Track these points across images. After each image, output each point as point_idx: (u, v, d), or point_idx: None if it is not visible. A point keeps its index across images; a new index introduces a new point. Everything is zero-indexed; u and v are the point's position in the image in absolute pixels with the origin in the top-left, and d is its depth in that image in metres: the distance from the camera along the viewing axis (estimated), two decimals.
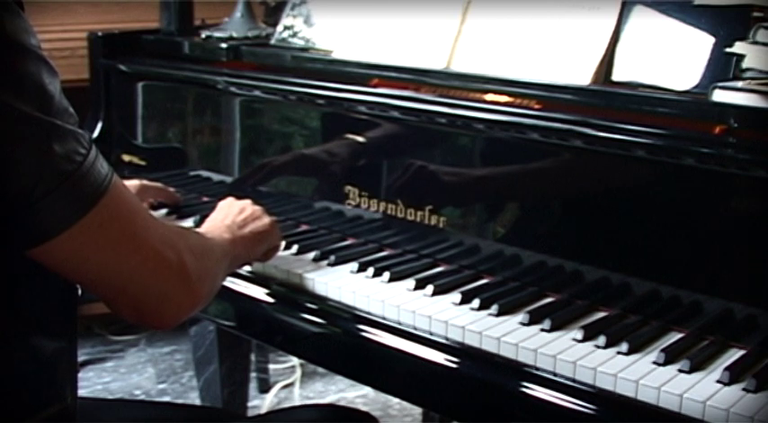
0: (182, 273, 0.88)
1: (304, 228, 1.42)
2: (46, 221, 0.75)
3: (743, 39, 1.07)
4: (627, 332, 1.03)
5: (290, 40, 1.55)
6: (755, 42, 1.06)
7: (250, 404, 2.16)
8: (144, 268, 0.84)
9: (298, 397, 2.44)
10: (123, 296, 0.85)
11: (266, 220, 1.22)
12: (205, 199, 1.59)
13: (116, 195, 0.80)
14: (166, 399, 2.42)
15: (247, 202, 1.24)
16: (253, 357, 2.21)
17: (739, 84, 1.05)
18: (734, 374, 0.92)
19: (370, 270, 1.22)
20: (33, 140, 0.72)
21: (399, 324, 1.11)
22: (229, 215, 1.20)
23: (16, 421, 0.82)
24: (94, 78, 1.78)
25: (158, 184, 1.52)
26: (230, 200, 1.25)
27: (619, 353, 0.99)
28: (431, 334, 1.08)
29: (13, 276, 0.81)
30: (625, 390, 0.93)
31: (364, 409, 2.20)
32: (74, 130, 0.76)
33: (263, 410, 2.33)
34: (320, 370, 2.48)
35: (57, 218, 0.75)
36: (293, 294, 1.23)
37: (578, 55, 1.19)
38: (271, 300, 1.24)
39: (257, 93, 1.50)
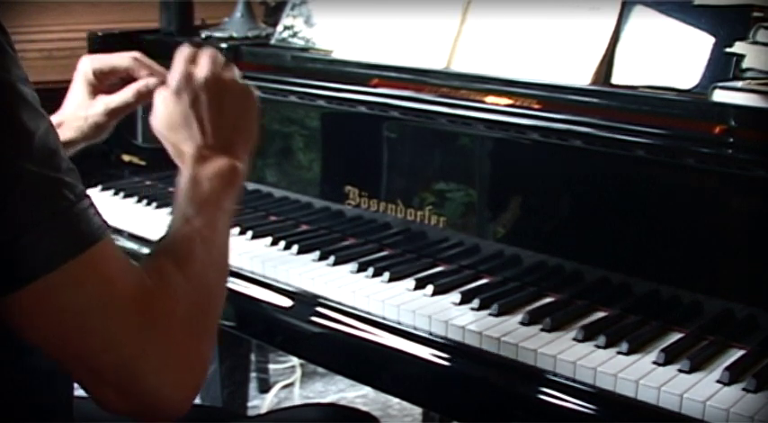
0: (178, 351, 0.72)
1: (304, 228, 1.42)
2: (10, 270, 0.64)
3: (743, 39, 1.07)
4: (627, 332, 1.03)
5: (290, 40, 1.55)
6: (755, 42, 1.06)
7: (250, 404, 2.15)
8: (125, 344, 0.69)
9: (298, 397, 2.44)
10: (103, 373, 0.71)
11: (245, 97, 0.92)
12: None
13: (107, 249, 0.69)
14: None
15: (210, 77, 0.91)
16: (253, 357, 2.21)
17: (739, 84, 1.05)
18: (734, 374, 0.92)
19: (370, 270, 1.22)
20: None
21: (399, 324, 1.11)
22: (194, 124, 0.89)
23: None
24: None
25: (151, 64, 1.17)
26: (183, 80, 0.91)
27: (619, 353, 0.99)
28: (431, 334, 1.08)
29: None
30: (625, 390, 0.93)
31: (364, 409, 2.19)
32: (57, 178, 0.66)
33: (263, 410, 2.33)
34: (320, 370, 2.47)
35: (25, 266, 0.64)
36: (293, 294, 1.23)
37: (578, 55, 1.19)
38: (271, 300, 1.24)
39: (257, 93, 1.49)
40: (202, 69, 0.93)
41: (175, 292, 0.75)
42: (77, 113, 1.14)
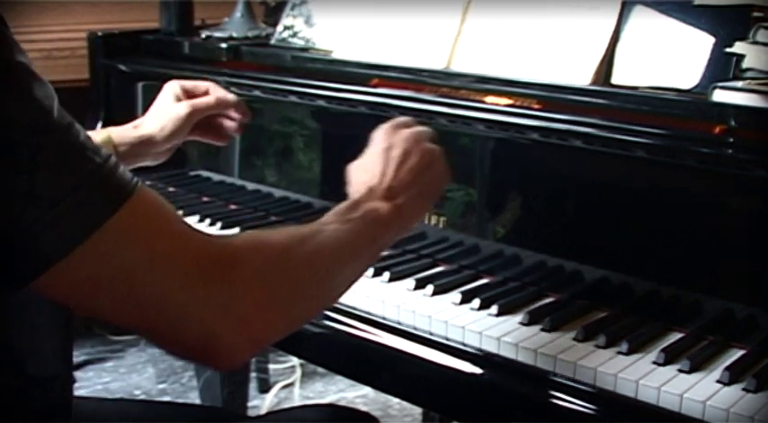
0: (231, 304, 0.71)
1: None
2: (50, 241, 0.65)
3: (743, 39, 1.07)
4: (627, 332, 1.03)
5: (290, 40, 1.55)
6: (755, 42, 1.06)
7: (250, 404, 2.16)
8: (176, 297, 0.69)
9: (298, 397, 2.44)
10: (157, 331, 0.72)
11: (436, 164, 0.97)
12: (205, 199, 1.59)
13: (144, 201, 0.70)
14: (166, 399, 2.41)
15: (410, 134, 0.98)
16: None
17: (739, 84, 1.05)
18: (734, 374, 0.92)
19: (371, 270, 1.22)
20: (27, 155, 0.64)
21: (399, 324, 1.11)
22: (378, 167, 0.94)
23: None
24: (94, 78, 1.78)
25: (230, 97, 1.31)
26: (386, 132, 0.98)
27: (619, 353, 0.99)
28: (431, 334, 1.08)
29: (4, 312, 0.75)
30: (625, 390, 0.93)
31: (364, 409, 2.20)
32: (80, 144, 0.68)
33: (263, 410, 2.33)
34: (320, 370, 2.48)
35: (62, 236, 0.65)
36: None
37: (578, 55, 1.19)
38: None
39: (257, 93, 1.49)
40: (408, 128, 1.00)
41: (254, 255, 0.75)
42: (161, 110, 1.27)
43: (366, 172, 0.96)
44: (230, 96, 1.31)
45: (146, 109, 1.31)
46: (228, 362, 0.73)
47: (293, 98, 1.44)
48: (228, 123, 1.34)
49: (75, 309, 0.71)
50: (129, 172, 0.71)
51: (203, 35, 1.70)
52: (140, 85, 1.73)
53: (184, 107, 1.27)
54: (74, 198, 0.65)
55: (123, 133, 1.24)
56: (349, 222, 0.86)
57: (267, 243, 0.78)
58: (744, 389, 0.91)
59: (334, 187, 1.38)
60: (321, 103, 1.40)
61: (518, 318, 1.08)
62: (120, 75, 1.75)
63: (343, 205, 0.90)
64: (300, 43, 1.54)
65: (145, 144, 1.25)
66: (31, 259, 0.65)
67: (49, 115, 0.66)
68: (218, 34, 1.68)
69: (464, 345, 1.05)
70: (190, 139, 1.31)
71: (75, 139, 0.67)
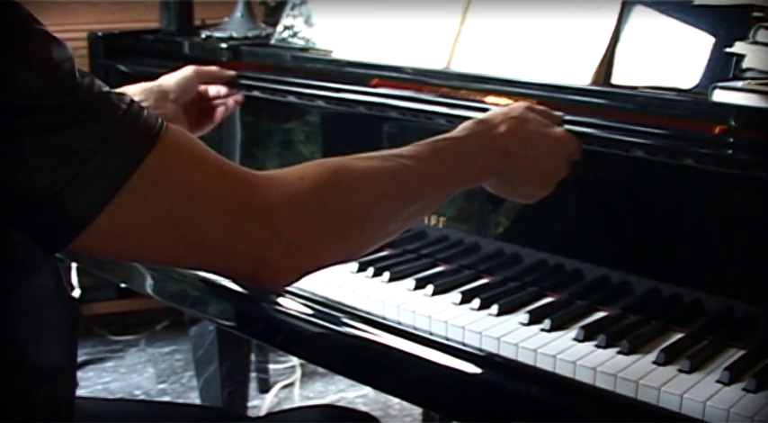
0: (273, 232, 0.72)
1: None
2: (90, 195, 0.66)
3: (743, 39, 1.07)
4: (627, 332, 1.03)
5: (290, 40, 1.55)
6: (755, 42, 1.06)
7: (250, 404, 2.16)
8: (219, 231, 0.70)
9: (298, 397, 2.44)
10: (206, 264, 0.74)
11: (556, 145, 0.99)
12: None
13: (174, 140, 0.70)
14: (166, 399, 2.42)
15: (547, 116, 1.01)
16: (253, 357, 2.21)
17: (739, 84, 1.05)
18: (734, 374, 0.92)
19: (370, 270, 1.22)
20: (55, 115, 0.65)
21: (399, 324, 1.11)
22: (492, 119, 0.95)
23: None
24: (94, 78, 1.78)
25: (212, 68, 1.47)
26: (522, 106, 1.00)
27: (619, 353, 0.99)
28: (431, 334, 1.08)
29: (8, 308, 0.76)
30: (625, 390, 0.93)
31: (364, 409, 2.20)
32: (104, 94, 0.69)
33: (263, 410, 2.33)
34: (320, 370, 2.48)
35: (100, 187, 0.66)
36: (293, 294, 1.23)
37: (578, 55, 1.19)
38: (271, 300, 1.24)
39: (257, 93, 1.49)
40: (545, 110, 1.03)
41: (295, 183, 0.75)
42: (172, 74, 1.41)
43: (493, 120, 0.96)
44: (230, 72, 1.47)
45: None
46: (275, 284, 0.75)
47: (293, 98, 1.44)
48: (217, 107, 1.46)
49: (121, 258, 0.73)
50: (153, 114, 0.71)
51: (203, 35, 1.70)
52: None
53: (191, 68, 1.42)
54: (105, 149, 0.66)
55: (140, 86, 1.33)
56: (414, 159, 0.84)
57: (315, 172, 0.77)
58: (744, 389, 0.91)
59: None
60: (321, 103, 1.40)
61: (518, 318, 1.08)
62: (120, 75, 1.75)
63: (426, 142, 0.88)
64: (300, 43, 1.53)
65: (160, 98, 1.34)
66: (72, 218, 0.66)
67: (71, 76, 0.67)
68: (218, 34, 1.68)
69: (464, 345, 1.05)
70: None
71: (99, 91, 0.69)
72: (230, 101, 1.46)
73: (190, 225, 0.70)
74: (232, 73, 1.48)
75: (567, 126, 1.11)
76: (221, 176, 0.72)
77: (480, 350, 1.04)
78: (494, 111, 0.99)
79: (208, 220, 0.70)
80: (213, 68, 1.47)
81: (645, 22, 1.16)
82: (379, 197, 0.81)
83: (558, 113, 1.06)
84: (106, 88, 0.70)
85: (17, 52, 0.65)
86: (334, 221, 0.77)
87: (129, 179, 0.67)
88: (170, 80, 1.40)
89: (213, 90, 1.46)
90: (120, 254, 0.72)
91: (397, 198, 0.83)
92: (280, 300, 1.24)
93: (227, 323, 1.35)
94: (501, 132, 0.94)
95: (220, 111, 1.46)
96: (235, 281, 0.76)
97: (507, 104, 1.18)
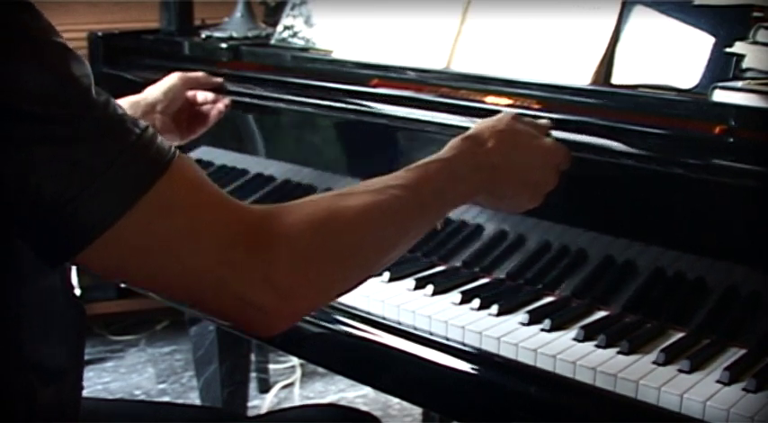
0: (269, 275, 0.71)
1: None
2: (95, 212, 0.66)
3: (743, 39, 1.07)
4: (627, 332, 1.03)
5: (290, 40, 1.55)
6: (755, 42, 1.06)
7: (250, 404, 2.16)
8: (216, 268, 0.70)
9: (298, 397, 2.44)
10: (198, 300, 0.73)
11: (543, 155, 0.99)
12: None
13: (183, 170, 0.70)
14: (166, 399, 2.42)
15: (534, 125, 1.01)
16: (253, 357, 2.21)
17: (739, 84, 1.05)
18: (734, 374, 0.92)
19: None
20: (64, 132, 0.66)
21: (399, 324, 1.11)
22: (479, 133, 0.95)
23: None
24: (94, 78, 1.78)
25: (198, 74, 1.48)
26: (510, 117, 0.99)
27: (619, 353, 0.99)
28: (431, 334, 1.08)
29: (16, 313, 0.76)
30: (625, 390, 0.93)
31: (364, 409, 2.19)
32: (119, 116, 0.69)
33: (263, 410, 2.33)
34: (320, 370, 2.48)
35: (106, 206, 0.66)
36: None
37: (578, 55, 1.19)
38: None
39: (257, 93, 1.49)
40: (532, 121, 1.03)
41: (295, 225, 0.74)
42: (158, 82, 1.42)
43: (480, 131, 0.96)
44: (217, 79, 1.49)
45: None
46: (268, 330, 0.74)
47: (293, 98, 1.44)
48: (208, 112, 1.46)
49: (114, 278, 0.75)
50: (167, 141, 0.71)
51: (203, 35, 1.70)
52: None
53: (176, 75, 1.44)
54: (116, 168, 0.66)
55: (126, 100, 1.34)
56: (405, 189, 0.83)
57: (309, 212, 0.76)
58: (744, 389, 0.91)
59: (335, 187, 1.39)
60: (321, 103, 1.40)
61: (518, 318, 1.07)
62: (120, 75, 1.75)
63: (416, 166, 0.87)
64: (300, 43, 1.54)
65: (148, 110, 1.36)
66: (76, 232, 0.66)
67: (87, 91, 0.68)
68: (218, 34, 1.68)
69: (464, 345, 1.05)
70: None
71: (114, 112, 0.69)
72: (219, 105, 1.46)
73: (186, 255, 0.69)
74: (218, 80, 1.49)
75: (567, 126, 1.11)
76: (222, 212, 0.72)
77: (480, 350, 1.04)
78: (480, 124, 0.98)
79: (205, 256, 0.70)
80: (199, 74, 1.48)
81: (645, 22, 1.16)
82: (375, 233, 0.80)
83: (545, 122, 1.06)
84: (122, 111, 0.71)
85: (34, 58, 0.66)
86: (331, 263, 0.76)
87: (137, 202, 0.67)
88: (156, 91, 1.40)
89: (201, 96, 1.46)
90: (114, 274, 0.72)
91: (392, 231, 0.82)
92: None
93: (225, 323, 1.35)
94: (489, 148, 0.94)
95: (212, 115, 1.46)
96: (222, 324, 0.73)
97: (508, 104, 1.18)
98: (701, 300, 1.03)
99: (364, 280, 0.82)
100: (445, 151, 0.92)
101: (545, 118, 1.09)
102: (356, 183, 0.87)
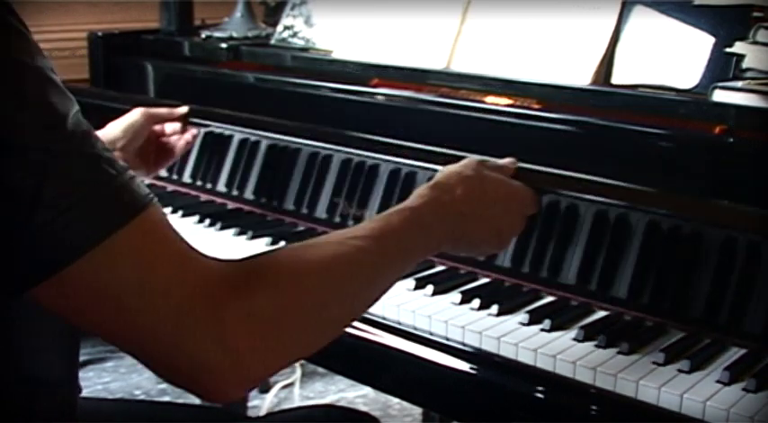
0: (223, 338, 0.66)
1: (302, 228, 1.42)
2: (55, 248, 0.62)
3: (743, 39, 1.07)
4: (627, 332, 1.02)
5: (290, 40, 1.55)
6: (755, 42, 1.06)
7: (250, 404, 2.16)
8: (166, 327, 0.65)
9: (298, 397, 2.44)
10: (147, 356, 0.68)
11: (515, 201, 0.98)
12: (203, 198, 1.59)
13: (151, 220, 0.67)
14: (166, 399, 2.41)
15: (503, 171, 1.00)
16: None
17: (739, 84, 1.05)
18: (734, 374, 0.92)
19: None
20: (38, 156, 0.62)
21: (399, 324, 1.11)
22: (447, 178, 0.93)
23: None
24: (94, 78, 1.78)
25: (161, 110, 1.43)
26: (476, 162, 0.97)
27: (619, 353, 0.99)
28: (431, 334, 1.08)
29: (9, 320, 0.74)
30: (625, 390, 0.93)
31: (364, 409, 2.20)
32: (95, 154, 0.65)
33: (263, 410, 2.33)
34: (320, 370, 2.48)
35: (66, 244, 0.62)
36: None
37: (578, 55, 1.19)
38: None
39: (257, 92, 1.50)
40: (497, 165, 1.02)
41: (254, 285, 0.69)
42: (121, 119, 1.39)
43: (445, 182, 0.94)
44: (185, 110, 1.44)
45: None
46: (220, 396, 0.69)
47: (292, 98, 1.44)
48: (175, 144, 1.44)
49: (69, 321, 0.69)
50: (144, 187, 0.68)
51: (203, 35, 1.70)
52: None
53: (138, 111, 1.40)
54: (83, 207, 0.63)
55: None
56: (368, 240, 0.79)
57: (270, 269, 0.71)
58: (744, 389, 0.91)
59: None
60: (320, 103, 1.40)
61: (518, 318, 1.07)
62: (120, 75, 1.75)
63: (381, 217, 0.85)
64: (300, 43, 1.54)
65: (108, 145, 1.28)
66: (35, 265, 0.63)
67: (62, 122, 0.64)
68: (218, 34, 1.69)
69: (464, 345, 1.05)
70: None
71: (90, 149, 0.65)
72: (187, 136, 1.44)
73: (137, 310, 0.65)
74: (183, 110, 1.44)
75: (567, 126, 1.11)
76: (180, 268, 0.67)
77: (480, 350, 1.04)
78: (446, 171, 0.96)
79: (155, 314, 0.65)
80: (163, 110, 1.43)
81: (645, 22, 1.16)
82: (336, 288, 0.76)
83: (510, 161, 1.03)
84: (100, 149, 0.66)
85: (11, 85, 0.62)
86: (291, 325, 0.70)
87: (95, 247, 0.63)
88: (116, 128, 1.37)
89: (169, 128, 1.44)
90: (67, 316, 0.68)
91: (355, 284, 0.78)
92: None
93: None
94: (457, 196, 0.92)
95: (179, 146, 1.44)
96: (172, 384, 0.69)
97: (508, 104, 1.18)
98: (701, 299, 1.03)
99: (328, 340, 0.76)
100: (411, 200, 0.89)
101: (540, 115, 1.09)
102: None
